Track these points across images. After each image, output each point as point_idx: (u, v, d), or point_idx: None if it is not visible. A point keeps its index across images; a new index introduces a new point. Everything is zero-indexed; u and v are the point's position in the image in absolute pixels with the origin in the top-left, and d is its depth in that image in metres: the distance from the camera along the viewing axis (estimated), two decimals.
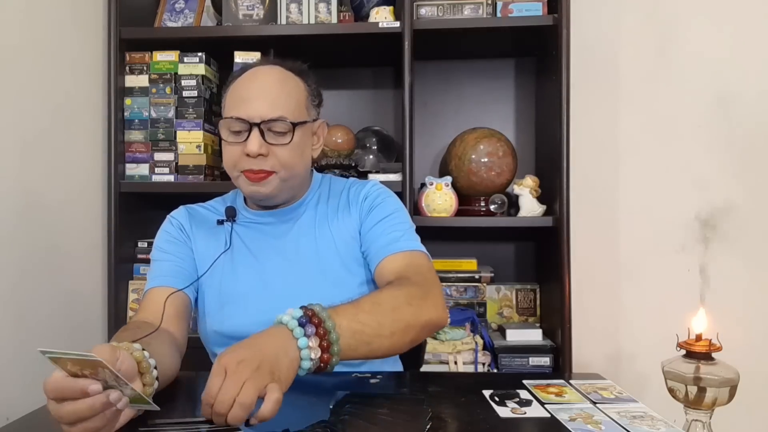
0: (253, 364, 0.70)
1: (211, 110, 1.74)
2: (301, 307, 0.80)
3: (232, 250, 1.08)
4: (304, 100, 1.06)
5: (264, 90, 1.02)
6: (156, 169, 1.67)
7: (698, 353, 0.83)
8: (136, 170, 1.68)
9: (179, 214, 1.15)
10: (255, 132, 0.98)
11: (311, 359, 0.76)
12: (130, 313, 1.68)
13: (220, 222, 1.12)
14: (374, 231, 1.06)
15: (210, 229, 1.12)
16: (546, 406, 0.81)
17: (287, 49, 1.70)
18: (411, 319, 0.89)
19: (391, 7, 1.66)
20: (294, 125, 1.01)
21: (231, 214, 1.11)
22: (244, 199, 1.16)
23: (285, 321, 0.78)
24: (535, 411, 0.80)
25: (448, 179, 1.65)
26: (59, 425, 0.65)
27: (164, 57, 1.68)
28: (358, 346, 0.82)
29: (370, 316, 0.84)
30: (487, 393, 0.85)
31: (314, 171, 1.19)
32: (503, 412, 0.79)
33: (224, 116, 1.03)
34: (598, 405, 0.82)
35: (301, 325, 0.77)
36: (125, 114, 1.68)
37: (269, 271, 1.06)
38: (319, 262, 1.06)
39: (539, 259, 1.86)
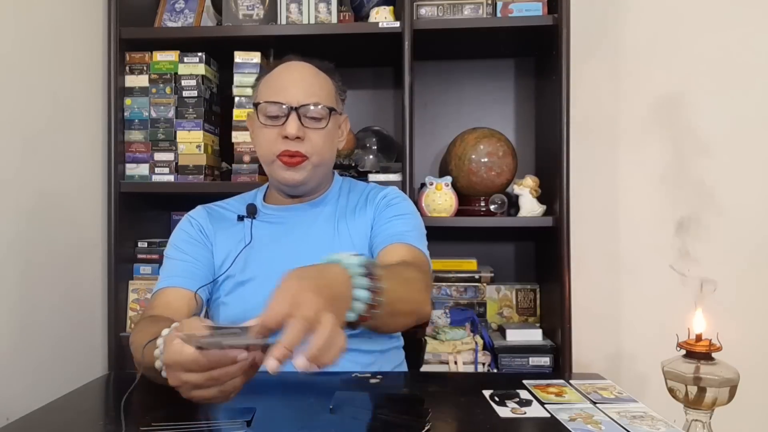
0: (314, 283, 0.65)
1: (211, 110, 1.73)
2: (357, 255, 0.75)
3: (254, 245, 1.09)
4: (334, 93, 1.12)
5: (300, 79, 1.07)
6: (156, 169, 1.67)
7: (698, 353, 0.83)
8: (136, 170, 1.68)
9: (198, 213, 1.16)
10: (293, 115, 1.03)
11: (358, 312, 0.71)
12: (130, 313, 1.68)
13: (240, 218, 1.13)
14: (386, 223, 1.08)
15: (230, 227, 1.13)
16: (546, 406, 0.81)
17: (287, 50, 1.69)
18: (418, 307, 0.89)
19: (391, 7, 1.66)
20: (329, 111, 1.06)
21: (252, 210, 1.13)
22: (264, 196, 1.18)
23: (348, 264, 0.72)
24: (535, 411, 0.80)
25: (448, 179, 1.65)
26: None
27: (164, 57, 1.68)
28: (383, 316, 0.75)
29: (403, 292, 0.82)
30: (487, 393, 0.85)
31: (335, 173, 1.21)
32: (503, 412, 0.79)
33: (260, 101, 1.07)
34: (598, 405, 0.82)
35: (364, 275, 0.72)
36: (125, 114, 1.68)
37: (287, 263, 1.06)
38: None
39: (539, 259, 1.86)
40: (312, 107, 1.05)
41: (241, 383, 0.68)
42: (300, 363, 0.59)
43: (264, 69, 1.14)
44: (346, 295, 0.70)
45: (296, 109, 1.04)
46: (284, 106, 1.04)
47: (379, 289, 0.73)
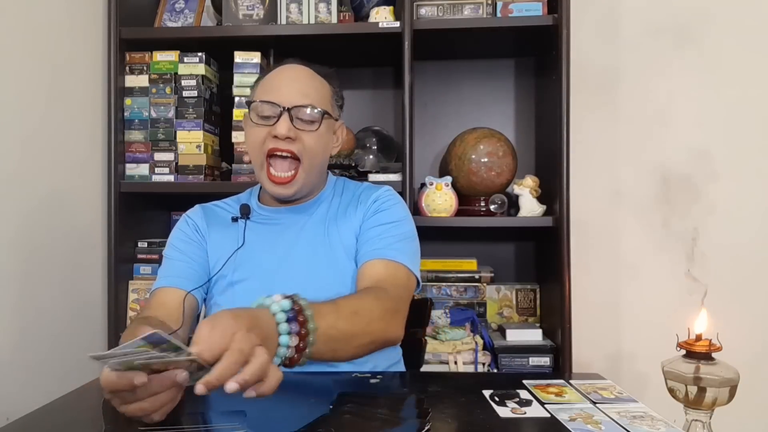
0: (248, 323, 0.67)
1: (211, 110, 1.73)
2: (288, 297, 0.77)
3: (246, 246, 1.09)
4: (329, 98, 1.11)
5: (294, 81, 1.07)
6: (156, 169, 1.67)
7: (698, 353, 0.83)
8: (136, 170, 1.68)
9: (195, 213, 1.17)
10: (285, 115, 1.03)
11: (283, 357, 0.74)
12: (130, 313, 1.68)
13: (235, 219, 1.13)
14: (371, 233, 1.08)
15: (225, 227, 1.14)
16: (546, 406, 0.81)
17: (287, 49, 1.70)
18: (378, 335, 0.91)
19: (391, 7, 1.65)
20: (322, 114, 1.06)
21: (245, 211, 1.13)
22: (258, 196, 1.18)
23: (274, 311, 0.74)
24: (535, 411, 0.80)
25: (448, 179, 1.65)
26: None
27: (164, 57, 1.68)
28: (324, 353, 0.81)
29: (347, 326, 0.85)
30: (487, 393, 0.85)
31: (329, 173, 1.21)
32: (503, 412, 0.79)
33: (255, 100, 1.07)
34: (598, 405, 0.82)
35: (288, 321, 0.74)
36: (125, 114, 1.68)
37: (281, 265, 1.08)
38: (328, 256, 1.08)
39: (539, 259, 1.86)
40: (304, 109, 1.04)
41: (161, 402, 0.68)
42: (229, 387, 0.62)
43: (264, 70, 1.14)
44: (274, 339, 0.72)
45: (288, 109, 1.03)
46: (277, 106, 1.04)
47: (306, 332, 0.75)
